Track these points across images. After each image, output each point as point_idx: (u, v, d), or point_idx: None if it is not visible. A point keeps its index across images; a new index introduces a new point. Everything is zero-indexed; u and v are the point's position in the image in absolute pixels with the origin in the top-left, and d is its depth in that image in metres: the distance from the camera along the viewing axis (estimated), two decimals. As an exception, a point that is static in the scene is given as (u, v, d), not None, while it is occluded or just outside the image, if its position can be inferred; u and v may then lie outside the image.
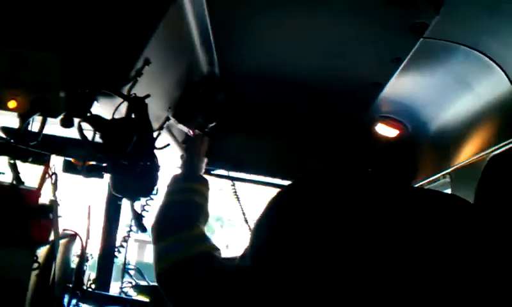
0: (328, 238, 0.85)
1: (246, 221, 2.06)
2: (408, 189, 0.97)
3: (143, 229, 1.47)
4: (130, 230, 1.56)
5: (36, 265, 1.44)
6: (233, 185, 1.99)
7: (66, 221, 1.77)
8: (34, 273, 1.44)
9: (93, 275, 2.40)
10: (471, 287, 0.81)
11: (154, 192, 1.39)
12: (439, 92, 1.93)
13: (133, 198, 1.42)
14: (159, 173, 1.38)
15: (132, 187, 1.35)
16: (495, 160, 1.63)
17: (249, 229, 2.06)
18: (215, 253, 1.25)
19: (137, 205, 1.51)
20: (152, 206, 1.51)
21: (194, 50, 1.64)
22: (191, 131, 1.79)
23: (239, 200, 2.03)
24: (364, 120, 2.14)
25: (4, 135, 1.81)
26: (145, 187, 1.36)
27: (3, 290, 1.40)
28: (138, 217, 1.47)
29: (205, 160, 1.64)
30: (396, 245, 0.84)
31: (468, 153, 1.82)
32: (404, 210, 0.88)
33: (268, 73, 1.89)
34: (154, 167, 1.36)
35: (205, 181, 1.54)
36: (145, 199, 1.53)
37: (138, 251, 17.18)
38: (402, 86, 1.94)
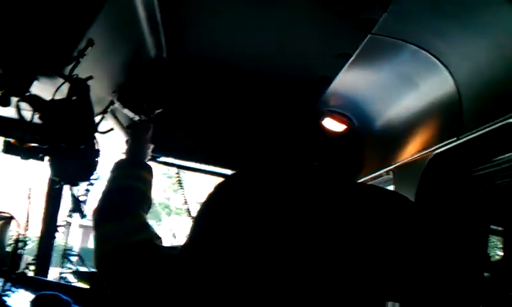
0: (259, 228, 0.87)
1: (188, 210, 2.05)
2: (345, 183, 0.99)
3: (82, 215, 1.44)
4: (70, 215, 1.52)
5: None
6: (178, 173, 1.97)
7: (3, 204, 1.71)
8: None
9: (30, 259, 2.34)
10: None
11: (94, 177, 1.36)
12: (386, 88, 1.97)
13: (71, 182, 1.38)
14: (99, 158, 1.35)
15: (71, 171, 1.32)
16: (437, 159, 1.68)
17: (191, 217, 2.06)
18: (156, 242, 1.24)
19: (78, 190, 1.47)
20: (92, 192, 1.48)
21: (142, 33, 1.60)
22: (136, 116, 1.75)
23: (182, 188, 2.02)
24: (312, 113, 2.17)
25: None
26: (84, 172, 1.33)
27: None
28: (77, 202, 1.44)
29: (151, 146, 1.61)
30: (325, 236, 0.86)
31: (411, 150, 1.86)
32: (338, 203, 0.91)
33: (216, 59, 1.88)
34: (94, 152, 1.33)
35: (149, 168, 1.51)
36: (85, 183, 1.49)
37: (83, 236, 16.87)
38: (350, 81, 1.97)
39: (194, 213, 2.07)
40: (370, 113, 2.17)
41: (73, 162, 1.30)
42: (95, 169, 1.35)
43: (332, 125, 2.24)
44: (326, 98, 2.08)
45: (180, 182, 2.07)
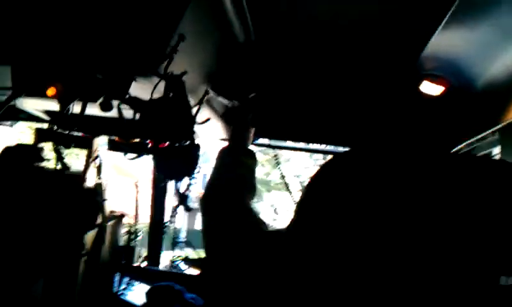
0: (372, 212, 0.81)
1: (287, 187, 2.01)
2: (455, 160, 0.90)
3: (188, 209, 1.46)
4: (176, 210, 1.55)
5: (84, 251, 1.45)
6: (276, 155, 1.94)
7: (113, 201, 1.78)
8: (83, 259, 1.45)
9: (142, 252, 2.43)
10: None
11: (196, 171, 1.37)
12: (486, 45, 1.81)
13: (175, 179, 1.40)
14: (200, 152, 1.35)
15: (174, 168, 1.34)
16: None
17: (292, 196, 2.03)
18: (263, 227, 1.24)
19: (181, 185, 1.50)
20: (195, 185, 1.49)
21: (229, 20, 1.59)
22: (231, 103, 1.75)
23: (280, 170, 1.99)
24: (408, 78, 2.04)
25: (46, 118, 1.84)
26: (186, 168, 1.34)
27: (54, 276, 1.42)
28: (182, 197, 1.46)
29: (252, 130, 1.60)
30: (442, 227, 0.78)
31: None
32: (457, 185, 0.82)
33: (307, 32, 1.81)
34: (195, 147, 1.34)
35: (253, 154, 1.51)
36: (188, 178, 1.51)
37: (188, 219, 17.56)
38: (446, 42, 1.84)
39: (293, 189, 2.05)
40: (469, 72, 2.01)
41: (176, 159, 1.32)
42: (196, 164, 1.36)
43: (430, 88, 2.10)
44: (421, 61, 1.96)
45: (277, 162, 2.04)
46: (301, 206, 0.95)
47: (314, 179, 0.94)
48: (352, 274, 0.80)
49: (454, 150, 2.15)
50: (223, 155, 1.47)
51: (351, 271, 0.80)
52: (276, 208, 19.81)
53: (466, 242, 0.76)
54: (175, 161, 1.32)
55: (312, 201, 0.91)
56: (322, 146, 2.45)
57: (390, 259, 0.77)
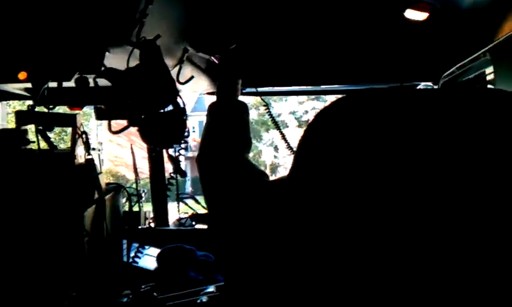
0: (376, 162, 0.77)
1: (279, 129, 1.98)
2: (454, 97, 0.85)
3: (183, 174, 1.44)
4: (171, 177, 1.53)
5: (85, 230, 1.44)
6: (267, 105, 1.90)
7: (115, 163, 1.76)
8: (86, 239, 1.44)
9: (148, 214, 2.43)
10: None
11: (185, 135, 1.34)
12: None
13: (165, 147, 1.37)
14: (185, 115, 1.32)
15: (161, 135, 1.30)
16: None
17: (285, 140, 2.00)
18: (264, 178, 1.23)
19: (174, 150, 1.47)
20: (186, 150, 1.47)
21: None
22: (213, 58, 1.69)
23: (275, 121, 1.95)
24: (392, 6, 1.97)
25: (28, 95, 1.79)
26: (175, 133, 1.31)
27: (59, 260, 1.42)
28: (175, 162, 1.44)
29: (239, 82, 1.56)
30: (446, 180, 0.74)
31: (510, 25, 1.64)
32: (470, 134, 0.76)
33: None
34: (180, 110, 1.30)
35: (244, 106, 1.47)
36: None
37: (191, 167, 17.68)
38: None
39: (290, 125, 2.02)
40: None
41: (163, 127, 1.28)
42: (185, 128, 1.33)
43: (414, 14, 2.02)
44: None
45: (270, 115, 2.00)
46: (299, 155, 0.92)
47: (311, 128, 0.91)
48: (355, 224, 0.78)
49: (447, 73, 2.10)
50: (214, 111, 1.43)
51: (354, 221, 0.78)
52: (276, 146, 19.96)
53: (475, 186, 0.73)
54: (162, 128, 1.29)
55: (311, 150, 0.88)
56: (310, 87, 2.41)
57: (394, 209, 0.75)
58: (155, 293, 1.56)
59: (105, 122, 1.45)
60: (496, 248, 0.68)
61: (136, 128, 1.31)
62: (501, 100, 0.78)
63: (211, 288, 1.62)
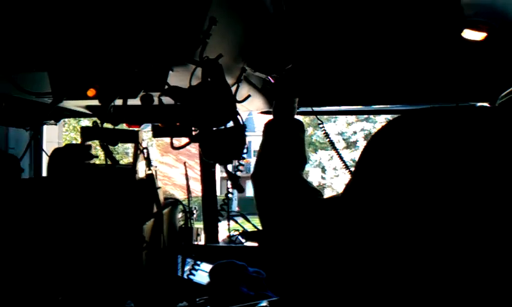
0: (434, 181, 0.78)
1: (333, 147, 1.98)
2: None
3: (240, 190, 1.46)
4: (228, 193, 1.56)
5: (144, 242, 1.48)
6: (321, 123, 1.91)
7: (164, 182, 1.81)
8: (144, 251, 1.48)
9: (200, 231, 2.47)
10: None
11: (244, 151, 1.37)
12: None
13: (225, 162, 1.40)
14: (245, 132, 1.35)
15: (222, 152, 1.34)
16: None
17: (340, 158, 2.00)
18: (319, 197, 1.24)
19: (232, 166, 1.50)
20: (244, 165, 1.49)
21: None
22: (269, 77, 1.72)
23: (328, 136, 1.96)
24: (450, 27, 1.95)
25: (89, 113, 1.87)
26: (235, 149, 1.34)
27: (119, 269, 1.47)
28: (233, 179, 1.46)
29: (296, 100, 1.58)
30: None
31: None
32: None
33: None
34: (240, 127, 1.33)
35: (300, 125, 1.49)
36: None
37: (238, 188, 17.73)
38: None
39: (339, 146, 2.02)
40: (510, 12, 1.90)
41: (223, 143, 1.32)
42: (244, 144, 1.35)
43: (471, 34, 1.99)
44: (462, 8, 1.86)
45: (321, 125, 2.00)
46: (359, 171, 0.93)
47: (372, 143, 0.92)
48: (414, 238, 0.78)
49: (505, 93, 2.06)
50: (270, 129, 1.46)
51: (412, 235, 0.78)
52: (323, 166, 19.79)
53: None
54: (222, 145, 1.32)
55: (371, 165, 0.89)
56: (365, 107, 2.41)
57: (452, 224, 0.75)
58: (209, 306, 1.59)
59: (160, 140, 1.49)
60: None
61: (197, 144, 1.35)
62: None
63: (264, 303, 1.63)
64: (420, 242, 0.78)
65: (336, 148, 1.98)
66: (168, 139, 1.49)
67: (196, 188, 2.73)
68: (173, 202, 1.88)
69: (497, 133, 0.79)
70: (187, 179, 2.35)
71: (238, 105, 1.72)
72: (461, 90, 2.14)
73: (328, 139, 1.92)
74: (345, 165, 1.91)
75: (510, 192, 0.73)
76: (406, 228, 0.80)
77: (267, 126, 1.48)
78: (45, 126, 2.71)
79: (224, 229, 2.87)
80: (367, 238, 0.86)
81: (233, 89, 1.68)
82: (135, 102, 1.34)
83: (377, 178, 0.86)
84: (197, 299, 1.65)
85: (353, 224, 0.91)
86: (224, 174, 1.51)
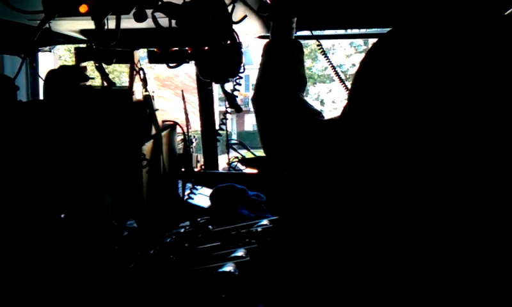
0: (431, 92, 0.77)
1: (338, 76, 1.96)
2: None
3: (238, 109, 1.46)
4: (226, 112, 1.55)
5: (144, 162, 1.49)
6: (320, 44, 1.88)
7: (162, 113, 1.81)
8: (144, 170, 1.49)
9: (199, 157, 2.49)
10: None
11: (240, 69, 1.35)
12: None
13: (221, 80, 1.39)
14: (242, 49, 1.33)
15: (218, 69, 1.32)
16: None
17: (343, 83, 1.98)
18: (318, 117, 1.24)
19: (229, 85, 1.48)
20: (241, 84, 1.48)
21: None
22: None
23: (328, 59, 1.93)
24: None
25: (83, 38, 1.84)
26: (231, 67, 1.33)
27: (120, 190, 1.48)
28: (231, 98, 1.45)
29: (294, 21, 1.55)
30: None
31: None
32: None
33: None
34: (236, 44, 1.31)
35: (298, 45, 1.47)
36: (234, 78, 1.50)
37: (237, 121, 17.77)
38: None
39: (344, 78, 2.00)
40: None
41: (219, 60, 1.30)
42: (241, 62, 1.34)
43: None
44: None
45: (323, 51, 1.97)
46: (355, 88, 0.93)
47: (365, 61, 0.91)
48: (411, 154, 0.78)
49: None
50: (269, 49, 1.44)
51: (410, 151, 0.78)
52: (322, 100, 19.68)
53: None
54: (219, 62, 1.31)
55: (367, 82, 0.88)
56: (364, 30, 2.36)
57: (451, 139, 0.75)
58: (209, 226, 1.62)
59: (159, 69, 1.47)
60: None
61: (194, 76, 1.33)
62: None
63: (264, 221, 1.66)
64: (418, 158, 0.78)
65: (335, 68, 1.95)
66: (166, 72, 1.47)
67: (195, 124, 2.73)
68: (172, 124, 1.87)
69: (500, 44, 0.77)
70: (185, 107, 2.34)
71: (235, 27, 1.69)
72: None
73: (327, 60, 1.89)
74: (344, 84, 1.89)
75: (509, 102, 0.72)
76: (403, 143, 0.79)
77: (266, 46, 1.46)
78: (40, 56, 2.67)
79: (224, 161, 2.88)
80: (365, 156, 0.86)
81: (229, 9, 1.65)
82: (129, 25, 1.31)
83: (374, 94, 0.86)
84: (198, 219, 1.68)
85: (351, 144, 0.91)
86: (222, 108, 1.50)
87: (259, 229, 1.54)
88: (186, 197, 1.86)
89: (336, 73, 1.94)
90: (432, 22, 0.84)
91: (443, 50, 0.78)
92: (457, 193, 0.75)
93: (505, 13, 2.02)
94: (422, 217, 0.79)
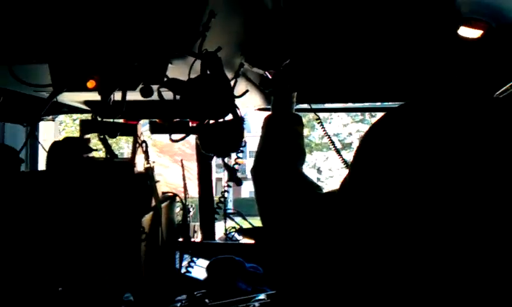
0: (429, 171, 0.78)
1: (335, 147, 1.99)
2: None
3: (239, 183, 1.47)
4: (228, 186, 1.57)
5: (143, 235, 1.49)
6: (319, 118, 1.92)
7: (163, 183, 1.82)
8: (143, 243, 1.49)
9: (196, 227, 2.48)
10: None
11: (242, 144, 1.38)
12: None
13: (224, 155, 1.41)
14: (244, 125, 1.36)
15: (221, 144, 1.35)
16: None
17: (339, 154, 2.01)
18: (318, 191, 1.25)
19: (229, 159, 1.51)
20: (243, 159, 1.50)
21: None
22: (267, 72, 1.73)
23: (325, 131, 1.96)
24: (446, 24, 1.97)
25: (87, 109, 1.88)
26: (233, 142, 1.35)
27: (117, 262, 1.47)
28: (232, 172, 1.47)
29: (294, 95, 1.60)
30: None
31: None
32: None
33: None
34: (238, 120, 1.34)
35: (298, 119, 1.51)
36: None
37: (234, 187, 17.73)
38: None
39: (340, 146, 2.02)
40: (509, 13, 1.91)
41: (222, 136, 1.33)
42: (242, 137, 1.36)
43: (468, 32, 2.01)
44: (459, 5, 1.87)
45: (320, 122, 2.01)
46: (355, 164, 0.94)
47: (367, 138, 0.93)
48: (410, 234, 0.78)
49: (500, 91, 2.08)
50: (269, 123, 1.47)
51: (409, 231, 0.79)
52: (319, 168, 19.79)
53: None
54: (221, 137, 1.33)
55: (367, 159, 0.90)
56: (360, 104, 2.42)
57: (449, 219, 0.75)
58: (206, 300, 1.60)
59: (158, 140, 1.50)
60: None
61: (193, 145, 1.35)
62: None
63: (261, 296, 1.64)
64: (417, 238, 0.78)
65: (333, 142, 1.98)
66: (164, 139, 1.50)
67: (192, 190, 2.74)
68: (172, 196, 1.88)
69: (497, 126, 0.79)
70: (183, 176, 2.36)
71: (236, 100, 1.73)
72: (458, 88, 2.15)
73: (324, 132, 1.92)
74: (343, 159, 1.91)
75: (509, 188, 0.73)
76: (402, 223, 0.80)
77: (267, 120, 1.50)
78: (41, 124, 2.71)
79: (221, 229, 2.87)
80: (363, 233, 0.87)
81: (231, 84, 1.69)
82: (133, 97, 1.35)
83: (374, 173, 0.87)
84: (195, 293, 1.66)
85: (350, 220, 0.91)
86: (219, 176, 1.51)
87: (256, 304, 1.53)
88: (184, 270, 1.84)
89: (333, 144, 1.97)
90: (429, 107, 0.87)
91: (440, 136, 0.80)
92: (453, 275, 0.75)
93: (494, 95, 2.08)
94: (421, 298, 0.78)
